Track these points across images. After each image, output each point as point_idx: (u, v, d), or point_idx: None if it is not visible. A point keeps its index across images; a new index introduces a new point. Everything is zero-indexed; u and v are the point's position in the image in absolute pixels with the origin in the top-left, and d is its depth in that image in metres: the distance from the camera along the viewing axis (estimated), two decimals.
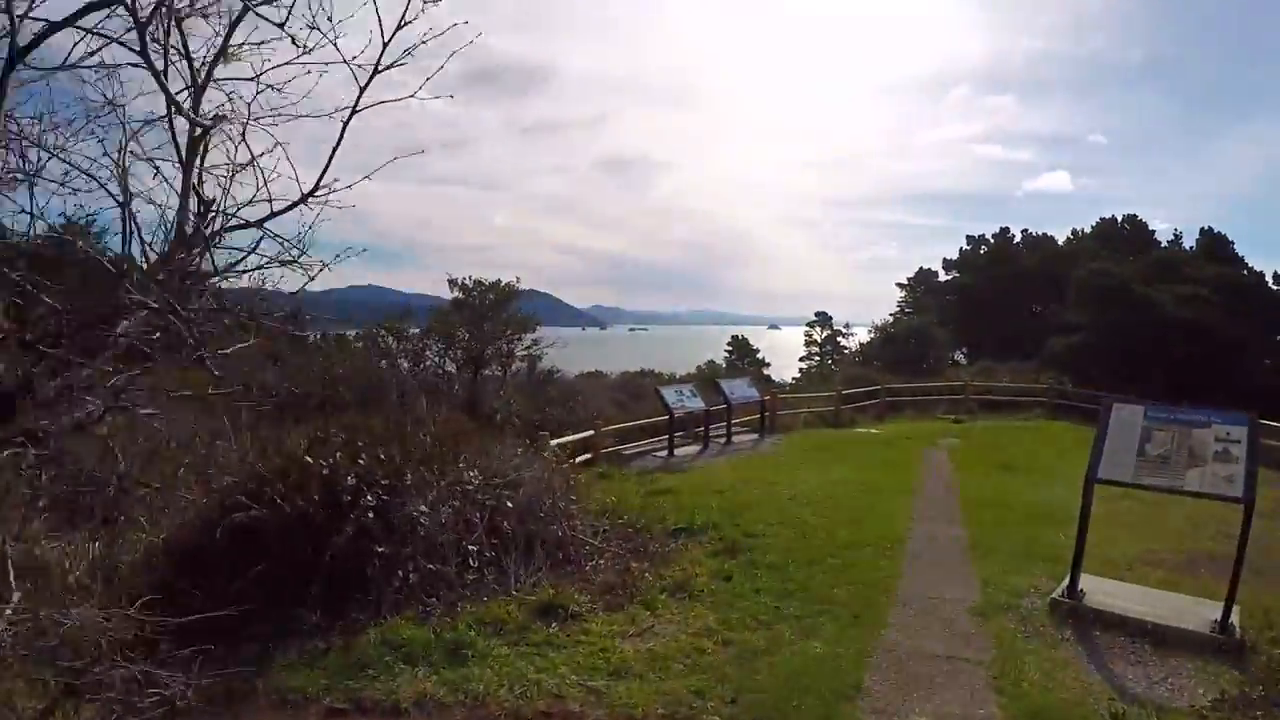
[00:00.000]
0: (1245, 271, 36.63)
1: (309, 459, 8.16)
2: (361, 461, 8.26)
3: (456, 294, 21.84)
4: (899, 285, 61.77)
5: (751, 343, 59.78)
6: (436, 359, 21.20)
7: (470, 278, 21.81)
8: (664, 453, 18.45)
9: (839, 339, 60.03)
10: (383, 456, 8.47)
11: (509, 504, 8.98)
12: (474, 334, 20.95)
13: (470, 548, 8.28)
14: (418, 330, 21.16)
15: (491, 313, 21.35)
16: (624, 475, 15.17)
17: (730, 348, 58.30)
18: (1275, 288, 35.42)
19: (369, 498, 7.81)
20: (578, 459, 16.04)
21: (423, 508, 8.16)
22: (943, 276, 58.94)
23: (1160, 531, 11.07)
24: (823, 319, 61.17)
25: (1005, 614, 7.68)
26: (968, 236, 58.57)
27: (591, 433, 17.37)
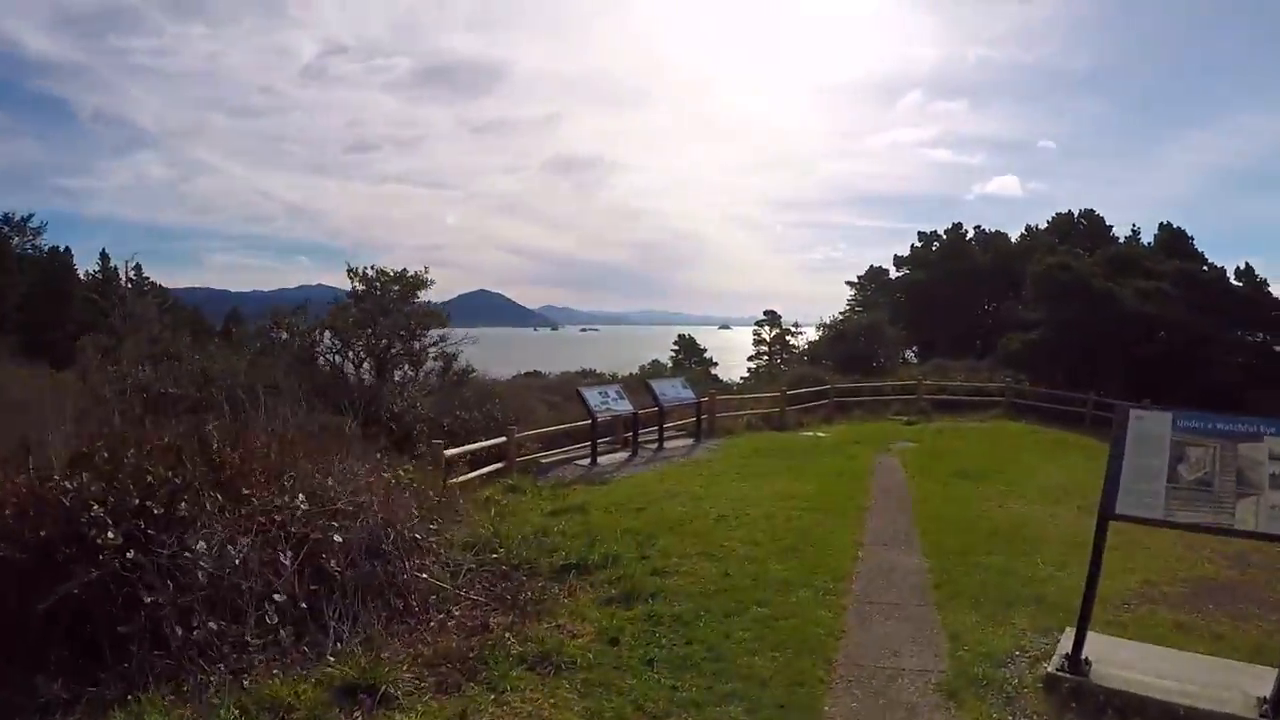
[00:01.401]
0: (1205, 267, 35.47)
1: (56, 481, 6.18)
2: (117, 484, 6.26)
3: (356, 285, 19.60)
4: (849, 284, 60.41)
5: (699, 342, 58.11)
6: (332, 356, 18.95)
7: (372, 267, 19.66)
8: (587, 460, 16.51)
9: (788, 338, 58.28)
10: (151, 479, 6.41)
11: (336, 538, 6.89)
12: (373, 329, 18.71)
13: (276, 596, 6.21)
14: (303, 327, 18.90)
15: (394, 306, 19.14)
16: (536, 488, 13.30)
17: (676, 347, 56.48)
18: (1236, 283, 34.24)
19: (111, 534, 5.76)
20: (486, 469, 14.23)
21: (201, 545, 6.10)
22: (894, 274, 57.60)
23: (1151, 553, 9.25)
24: (771, 318, 59.47)
25: (984, 694, 5.58)
26: (919, 233, 57.23)
27: (503, 439, 15.35)
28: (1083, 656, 5.66)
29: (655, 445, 18.33)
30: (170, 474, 6.66)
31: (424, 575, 7.44)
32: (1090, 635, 5.79)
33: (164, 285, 51.78)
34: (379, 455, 9.60)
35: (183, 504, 6.38)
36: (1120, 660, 5.81)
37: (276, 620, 6.13)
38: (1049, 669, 5.74)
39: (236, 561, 6.22)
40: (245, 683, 5.46)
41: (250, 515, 6.71)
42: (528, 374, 38.13)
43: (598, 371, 36.17)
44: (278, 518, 6.84)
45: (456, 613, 7.08)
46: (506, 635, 6.43)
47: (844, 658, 6.22)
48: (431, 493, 9.29)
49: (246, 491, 7.04)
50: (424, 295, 20.53)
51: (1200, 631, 6.97)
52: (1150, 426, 5.48)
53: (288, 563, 6.49)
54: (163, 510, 6.22)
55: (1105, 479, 5.47)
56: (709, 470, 15.01)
